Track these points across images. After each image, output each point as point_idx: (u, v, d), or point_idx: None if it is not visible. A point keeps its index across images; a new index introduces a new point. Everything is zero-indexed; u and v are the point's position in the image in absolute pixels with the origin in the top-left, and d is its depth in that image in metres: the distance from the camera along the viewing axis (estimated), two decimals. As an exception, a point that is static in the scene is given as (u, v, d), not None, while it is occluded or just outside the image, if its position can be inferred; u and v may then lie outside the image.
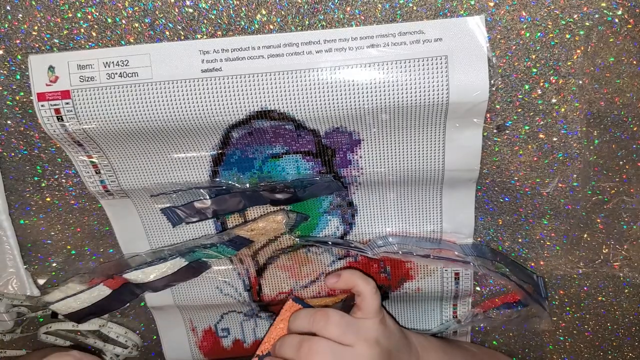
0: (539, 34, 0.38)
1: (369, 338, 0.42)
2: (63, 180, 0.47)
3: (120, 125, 0.41)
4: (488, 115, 0.41)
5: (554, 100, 0.40)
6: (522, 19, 0.38)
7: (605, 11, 0.37)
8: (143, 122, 0.40)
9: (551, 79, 0.40)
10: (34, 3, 0.39)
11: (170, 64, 0.39)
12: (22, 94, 0.42)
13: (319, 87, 0.39)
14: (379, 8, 0.38)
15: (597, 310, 0.51)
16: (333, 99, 0.39)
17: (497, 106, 0.41)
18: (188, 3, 0.39)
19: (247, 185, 0.46)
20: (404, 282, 0.51)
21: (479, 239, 0.48)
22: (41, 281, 0.52)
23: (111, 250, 0.51)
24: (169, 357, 0.57)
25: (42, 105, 0.41)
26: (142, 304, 0.54)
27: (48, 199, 0.48)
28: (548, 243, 0.47)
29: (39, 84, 0.40)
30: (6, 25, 0.40)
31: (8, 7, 0.39)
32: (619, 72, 0.39)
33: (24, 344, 0.56)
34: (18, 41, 0.40)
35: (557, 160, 0.43)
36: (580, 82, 0.40)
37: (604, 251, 0.47)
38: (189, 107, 0.40)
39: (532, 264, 0.49)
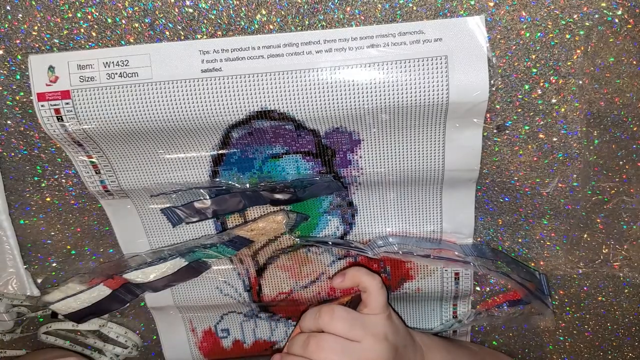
0: (539, 34, 0.38)
1: (377, 333, 0.42)
2: (63, 180, 0.47)
3: (120, 125, 0.41)
4: (488, 115, 0.41)
5: (554, 100, 0.40)
6: (522, 19, 0.38)
7: (605, 11, 0.37)
8: (143, 122, 0.40)
9: (551, 79, 0.40)
10: (34, 3, 0.39)
11: (170, 64, 0.39)
12: (22, 94, 0.42)
13: (319, 87, 0.39)
14: (379, 8, 0.38)
15: (597, 310, 0.51)
16: (333, 99, 0.39)
17: (497, 106, 0.41)
18: (188, 3, 0.39)
19: (247, 185, 0.46)
20: (404, 282, 0.51)
21: (479, 239, 0.48)
22: (41, 281, 0.51)
23: (111, 250, 0.51)
24: (168, 357, 0.57)
25: (42, 106, 0.41)
26: (142, 304, 0.54)
27: (48, 199, 0.48)
28: (548, 243, 0.47)
29: (39, 84, 0.40)
30: (6, 25, 0.40)
31: (8, 7, 0.39)
32: (619, 72, 0.39)
33: (24, 344, 0.56)
34: (18, 41, 0.40)
35: (557, 160, 0.43)
36: (580, 82, 0.40)
37: (604, 251, 0.47)
38: (189, 107, 0.40)
39: (532, 264, 0.49)
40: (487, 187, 0.45)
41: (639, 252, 0.47)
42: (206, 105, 0.40)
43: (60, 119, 0.41)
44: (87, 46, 0.40)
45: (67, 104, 0.40)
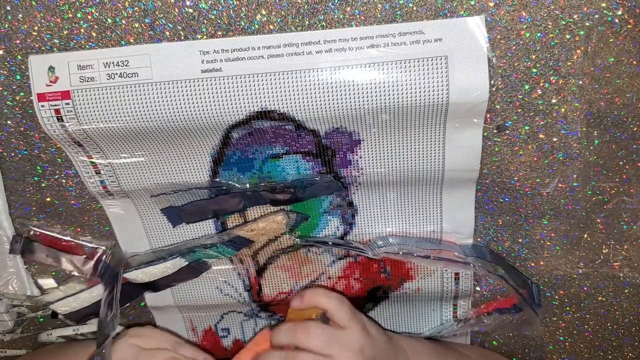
0: (539, 34, 0.38)
1: (352, 348, 0.42)
2: (63, 181, 0.47)
3: (120, 125, 0.41)
4: (488, 115, 0.41)
5: (554, 101, 0.40)
6: (522, 19, 0.38)
7: (605, 11, 0.37)
8: (143, 122, 0.40)
9: (551, 79, 0.40)
10: (34, 3, 0.39)
11: (170, 64, 0.39)
12: (22, 94, 0.42)
13: (319, 88, 0.39)
14: (379, 8, 0.38)
15: (597, 310, 0.51)
16: (333, 99, 0.39)
17: (497, 106, 0.41)
18: (188, 3, 0.39)
19: (247, 185, 0.46)
20: (404, 282, 0.51)
21: (479, 239, 0.48)
22: (41, 281, 0.51)
23: (111, 250, 0.51)
24: (169, 357, 0.57)
25: (42, 106, 0.41)
26: (142, 303, 0.54)
27: (48, 199, 0.48)
28: (548, 243, 0.47)
29: (39, 85, 0.40)
30: (6, 25, 0.40)
31: (8, 7, 0.39)
32: (619, 72, 0.39)
33: (24, 344, 0.56)
34: (18, 41, 0.40)
35: (557, 160, 0.43)
36: (580, 82, 0.40)
37: (604, 251, 0.47)
38: (189, 107, 0.40)
39: (532, 264, 0.49)
40: (487, 187, 0.45)
41: (639, 252, 0.47)
42: (206, 106, 0.40)
43: (60, 119, 0.41)
44: (87, 46, 0.40)
45: (67, 104, 0.40)
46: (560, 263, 0.48)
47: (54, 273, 0.51)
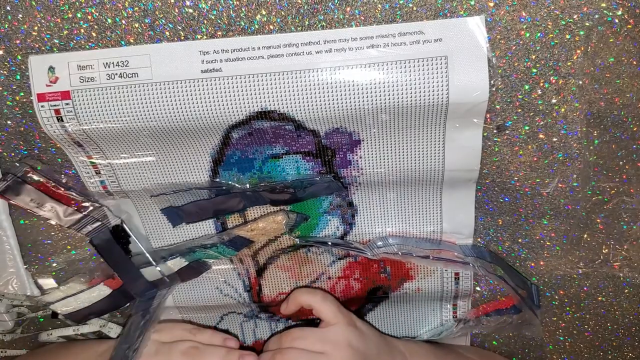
0: (539, 34, 0.38)
1: (338, 341, 0.43)
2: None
3: (120, 125, 0.41)
4: (488, 115, 0.41)
5: (554, 101, 0.40)
6: (522, 19, 0.38)
7: (605, 11, 0.37)
8: (143, 122, 0.40)
9: (551, 79, 0.40)
10: (34, 3, 0.39)
11: (170, 65, 0.39)
12: (22, 94, 0.42)
13: (318, 88, 0.39)
14: (379, 8, 0.38)
15: (597, 310, 0.51)
16: (333, 100, 0.39)
17: (497, 106, 0.41)
18: (188, 3, 0.39)
19: (247, 185, 0.46)
20: (404, 283, 0.51)
21: (479, 239, 0.48)
22: (41, 281, 0.52)
23: (111, 251, 0.51)
24: (169, 357, 0.57)
25: (42, 106, 0.41)
26: (142, 304, 0.54)
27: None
28: (548, 243, 0.47)
29: (39, 85, 0.40)
30: (6, 26, 0.40)
31: (8, 7, 0.39)
32: (619, 72, 0.39)
33: (24, 344, 0.56)
34: (18, 41, 0.40)
35: (557, 160, 0.43)
36: (580, 82, 0.40)
37: (604, 251, 0.47)
38: (189, 107, 0.40)
39: (532, 264, 0.49)
40: (487, 187, 0.45)
41: (639, 252, 0.47)
42: (206, 106, 0.40)
43: (60, 119, 0.41)
44: (87, 46, 0.40)
45: (67, 104, 0.40)
46: (560, 263, 0.48)
47: (54, 273, 0.51)
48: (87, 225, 0.47)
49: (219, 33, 0.39)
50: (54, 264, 0.51)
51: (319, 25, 0.39)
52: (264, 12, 0.39)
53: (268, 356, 0.44)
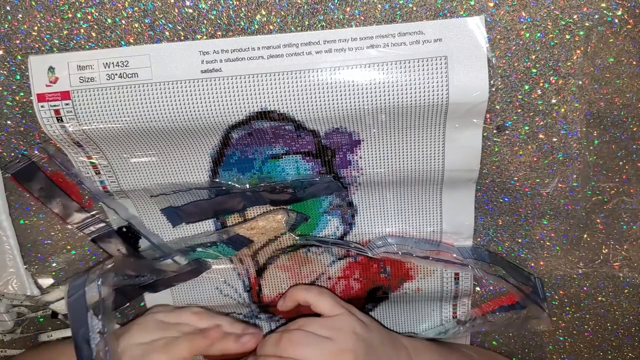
0: (538, 34, 0.38)
1: (344, 328, 0.43)
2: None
3: (120, 125, 0.41)
4: (488, 115, 0.41)
5: (553, 101, 0.40)
6: (522, 20, 0.38)
7: (605, 11, 0.37)
8: (143, 122, 0.40)
9: (551, 79, 0.40)
10: (34, 3, 0.39)
11: (170, 65, 0.39)
12: (22, 94, 0.42)
13: (318, 88, 0.39)
14: (379, 8, 0.38)
15: (597, 310, 0.51)
16: (333, 100, 0.39)
17: (497, 106, 0.41)
18: (188, 3, 0.39)
19: (247, 185, 0.46)
20: (404, 282, 0.51)
21: (478, 239, 0.48)
22: (41, 281, 0.52)
23: (111, 251, 0.51)
24: (169, 357, 0.57)
25: (42, 106, 0.41)
26: (142, 304, 0.54)
27: (48, 199, 0.48)
28: (548, 243, 0.47)
29: (39, 85, 0.40)
30: (6, 26, 0.40)
31: (8, 7, 0.39)
32: (618, 72, 0.39)
33: (24, 344, 0.56)
34: (18, 41, 0.40)
35: (557, 160, 0.43)
36: (580, 82, 0.40)
37: (604, 251, 0.47)
38: (189, 107, 0.40)
39: (532, 264, 0.49)
40: (487, 187, 0.45)
41: (639, 252, 0.47)
42: (206, 106, 0.40)
43: (60, 119, 0.41)
44: (87, 47, 0.40)
45: (67, 104, 0.40)
46: (560, 263, 0.48)
47: (54, 273, 0.51)
48: (90, 226, 0.47)
49: (219, 33, 0.39)
50: (54, 264, 0.51)
51: (319, 25, 0.39)
52: (264, 12, 0.39)
53: (276, 336, 0.44)
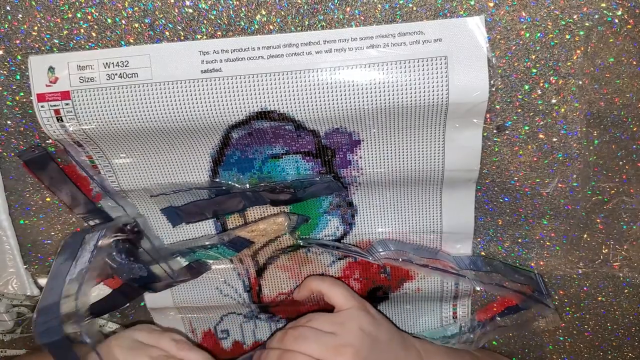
0: (538, 34, 0.38)
1: (350, 324, 0.43)
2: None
3: (120, 126, 0.41)
4: (488, 115, 0.41)
5: (553, 101, 0.40)
6: (522, 20, 0.38)
7: (605, 11, 0.37)
8: (143, 122, 0.40)
9: (551, 79, 0.40)
10: (34, 3, 0.39)
11: (170, 65, 0.39)
12: (22, 94, 0.42)
13: (318, 88, 0.39)
14: (379, 8, 0.38)
15: (597, 310, 0.51)
16: (333, 100, 0.39)
17: (497, 106, 0.41)
18: (188, 3, 0.39)
19: (247, 185, 0.46)
20: (404, 283, 0.51)
21: (478, 239, 0.48)
22: (41, 281, 0.52)
23: (111, 251, 0.51)
24: (169, 357, 0.57)
25: (42, 106, 0.41)
26: (142, 304, 0.54)
27: (48, 199, 0.48)
28: (548, 243, 0.47)
29: (39, 85, 0.40)
30: (6, 26, 0.40)
31: (8, 7, 0.39)
32: (618, 72, 0.39)
33: (24, 344, 0.56)
34: (18, 41, 0.40)
35: (557, 160, 0.43)
36: (580, 82, 0.40)
37: (604, 251, 0.47)
38: (189, 107, 0.40)
39: (532, 264, 0.49)
40: (487, 187, 0.45)
41: (639, 252, 0.47)
42: (206, 106, 0.40)
43: (60, 119, 0.41)
44: (87, 47, 0.40)
45: (67, 104, 0.40)
46: (560, 263, 0.48)
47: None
48: (96, 217, 0.47)
49: (219, 33, 0.39)
50: (54, 264, 0.51)
51: (319, 25, 0.39)
52: (264, 12, 0.39)
53: (283, 330, 0.44)
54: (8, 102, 0.43)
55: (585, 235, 0.47)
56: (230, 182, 0.46)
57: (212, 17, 0.39)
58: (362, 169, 0.44)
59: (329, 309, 0.47)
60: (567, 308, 0.51)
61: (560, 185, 0.44)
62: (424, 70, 0.38)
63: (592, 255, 0.47)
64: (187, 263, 0.49)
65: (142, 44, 0.40)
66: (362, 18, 0.38)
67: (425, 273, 0.49)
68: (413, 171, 0.44)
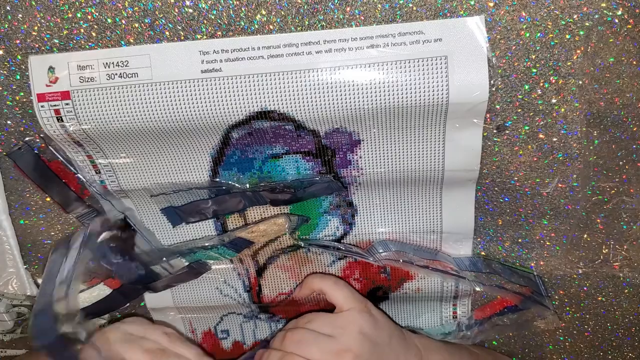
0: (538, 34, 0.38)
1: (349, 327, 0.43)
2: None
3: (120, 125, 0.41)
4: (488, 115, 0.41)
5: (554, 101, 0.40)
6: (522, 19, 0.38)
7: (605, 11, 0.37)
8: (143, 122, 0.40)
9: (551, 79, 0.40)
10: (34, 3, 0.39)
11: (170, 65, 0.39)
12: (22, 94, 0.42)
13: (318, 88, 0.39)
14: (379, 8, 0.38)
15: (597, 310, 0.51)
16: (333, 100, 0.39)
17: (497, 106, 0.41)
18: (188, 3, 0.39)
19: (247, 185, 0.46)
20: (404, 282, 0.51)
21: (478, 239, 0.48)
22: (41, 281, 0.51)
23: (111, 251, 0.51)
24: (169, 357, 0.57)
25: (42, 106, 0.41)
26: (142, 304, 0.54)
27: (48, 199, 0.48)
28: (548, 243, 0.47)
29: (39, 85, 0.40)
30: (6, 26, 0.40)
31: (8, 7, 0.39)
32: (619, 72, 0.39)
33: (24, 344, 0.56)
34: (18, 41, 0.40)
35: (557, 160, 0.43)
36: (580, 82, 0.40)
37: (604, 251, 0.47)
38: (189, 107, 0.40)
39: (532, 264, 0.49)
40: (487, 187, 0.45)
41: (639, 252, 0.47)
42: (206, 106, 0.40)
43: (60, 119, 0.41)
44: (87, 46, 0.40)
45: (67, 104, 0.40)
46: (560, 263, 0.48)
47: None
48: (86, 215, 0.47)
49: (219, 33, 0.39)
50: (54, 264, 0.51)
51: (319, 25, 0.39)
52: (264, 12, 0.39)
53: (283, 331, 0.44)
54: (8, 102, 0.43)
55: (585, 235, 0.47)
56: (230, 182, 0.46)
57: (212, 17, 0.39)
58: (362, 169, 0.44)
59: (329, 309, 0.47)
60: (567, 308, 0.51)
61: (560, 185, 0.44)
62: (424, 70, 0.38)
63: (592, 255, 0.47)
64: (187, 263, 0.49)
65: (142, 44, 0.40)
66: (362, 18, 0.38)
67: (426, 274, 0.50)
68: (413, 171, 0.44)
